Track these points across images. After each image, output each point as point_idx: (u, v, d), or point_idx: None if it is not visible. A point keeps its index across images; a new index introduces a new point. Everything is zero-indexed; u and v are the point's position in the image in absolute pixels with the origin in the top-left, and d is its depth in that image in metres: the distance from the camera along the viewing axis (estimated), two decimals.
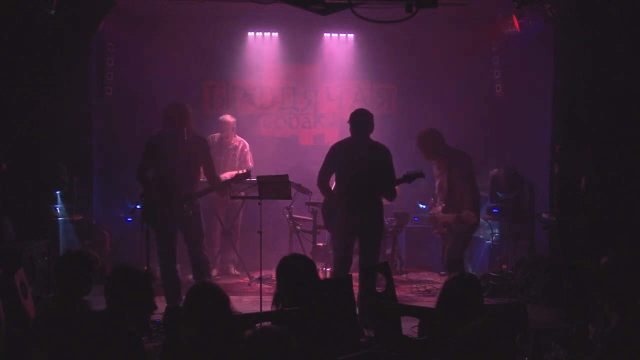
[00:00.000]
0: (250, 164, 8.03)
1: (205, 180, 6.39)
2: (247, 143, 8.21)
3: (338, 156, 6.15)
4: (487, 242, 7.97)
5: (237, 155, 8.15)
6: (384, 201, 6.30)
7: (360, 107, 6.48)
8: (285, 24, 8.67)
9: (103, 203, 8.64)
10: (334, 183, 6.28)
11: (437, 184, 6.74)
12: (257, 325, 3.64)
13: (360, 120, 6.06)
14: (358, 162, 6.00)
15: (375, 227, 6.07)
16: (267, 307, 4.71)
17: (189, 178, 6.19)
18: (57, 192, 7.33)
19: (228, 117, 8.09)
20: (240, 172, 6.61)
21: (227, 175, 7.48)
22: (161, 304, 6.04)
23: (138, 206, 5.82)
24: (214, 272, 7.65)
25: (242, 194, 6.84)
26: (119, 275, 3.70)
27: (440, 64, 8.74)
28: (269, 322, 3.75)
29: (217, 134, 8.21)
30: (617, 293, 3.68)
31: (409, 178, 6.08)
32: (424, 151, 6.64)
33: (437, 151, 6.61)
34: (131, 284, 3.64)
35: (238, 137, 8.21)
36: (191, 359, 3.41)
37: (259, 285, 6.27)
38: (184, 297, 5.99)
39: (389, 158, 6.15)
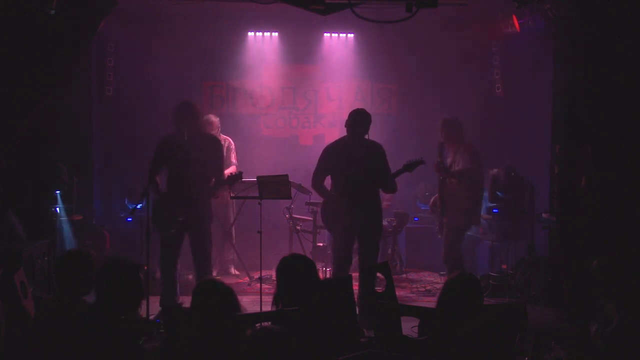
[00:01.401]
0: (234, 161, 8.01)
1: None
2: (232, 141, 8.15)
3: (335, 155, 6.14)
4: (487, 242, 7.97)
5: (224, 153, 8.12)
6: (384, 202, 6.29)
7: (360, 107, 6.45)
8: (285, 24, 8.67)
9: (103, 203, 8.63)
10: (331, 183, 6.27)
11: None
12: (257, 325, 3.63)
13: (359, 119, 6.05)
14: (354, 162, 5.99)
15: (373, 227, 6.06)
16: (267, 307, 4.71)
17: (198, 178, 6.12)
18: (57, 192, 7.31)
19: (212, 117, 7.94)
20: (232, 173, 6.46)
21: None
22: (156, 304, 6.05)
23: (138, 206, 5.82)
24: (214, 272, 7.63)
25: (232, 193, 6.82)
26: (106, 266, 3.77)
27: (440, 63, 8.74)
28: (269, 322, 3.75)
29: None
30: (617, 293, 3.69)
31: (409, 167, 6.07)
32: (442, 133, 6.85)
33: (454, 137, 6.80)
34: (118, 273, 3.69)
35: (223, 136, 8.10)
36: (191, 359, 3.41)
37: (259, 285, 6.27)
38: (180, 297, 6.08)
39: (384, 156, 6.14)
